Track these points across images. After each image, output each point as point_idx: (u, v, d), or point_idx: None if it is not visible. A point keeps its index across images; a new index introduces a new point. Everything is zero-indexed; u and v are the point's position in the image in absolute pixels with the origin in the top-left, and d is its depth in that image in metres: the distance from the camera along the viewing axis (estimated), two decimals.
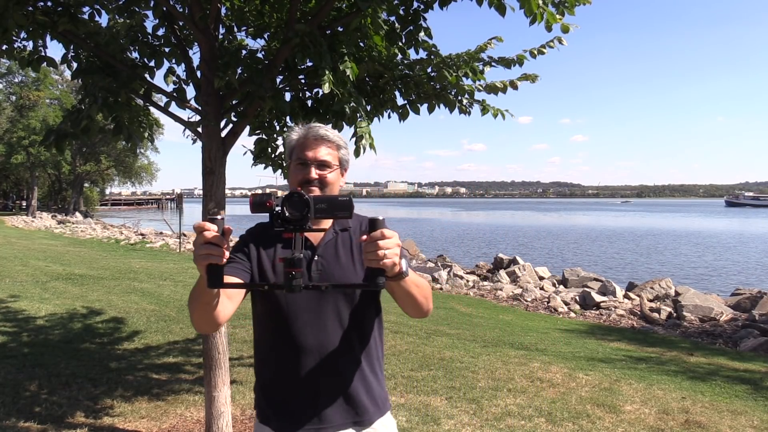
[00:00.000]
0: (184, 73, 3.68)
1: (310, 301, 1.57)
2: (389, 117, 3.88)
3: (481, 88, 3.70)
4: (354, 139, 3.09)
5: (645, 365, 6.26)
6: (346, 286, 1.59)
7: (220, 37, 3.62)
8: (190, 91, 3.72)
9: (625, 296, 12.26)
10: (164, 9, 3.45)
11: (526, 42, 4.27)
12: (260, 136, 3.84)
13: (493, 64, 3.60)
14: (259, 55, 3.71)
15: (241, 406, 4.22)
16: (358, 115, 3.10)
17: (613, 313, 10.88)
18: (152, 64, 3.66)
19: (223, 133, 3.52)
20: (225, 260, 1.28)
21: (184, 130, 3.64)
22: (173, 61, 3.75)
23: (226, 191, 3.58)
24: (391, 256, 1.28)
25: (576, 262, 21.21)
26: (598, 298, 11.60)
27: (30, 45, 3.49)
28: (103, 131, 3.82)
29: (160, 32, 3.69)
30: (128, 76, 3.50)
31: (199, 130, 3.53)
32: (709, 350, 7.79)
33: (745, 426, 4.21)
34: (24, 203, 49.92)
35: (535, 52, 3.48)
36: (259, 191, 1.64)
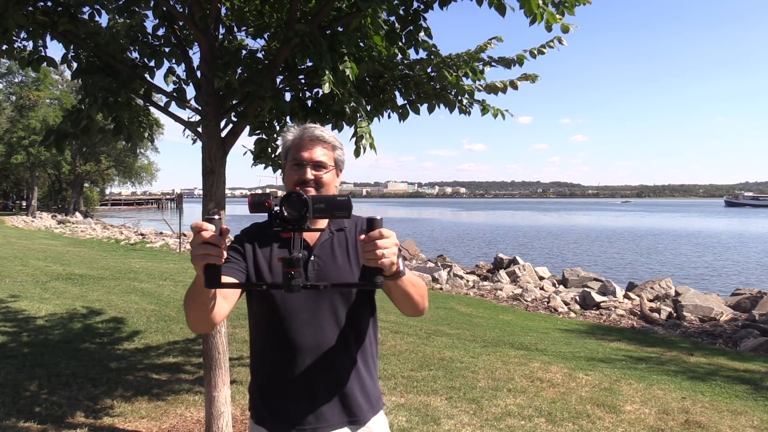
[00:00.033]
0: (184, 73, 3.69)
1: (306, 301, 1.57)
2: (389, 117, 3.88)
3: (481, 88, 3.70)
4: (354, 139, 3.09)
5: (645, 365, 6.26)
6: (345, 286, 1.59)
7: (220, 37, 3.62)
8: (190, 91, 3.72)
9: (625, 296, 12.26)
10: (164, 9, 3.45)
11: (526, 42, 4.26)
12: (260, 136, 3.84)
13: (493, 64, 3.60)
14: (259, 55, 3.71)
15: (241, 406, 4.22)
16: (358, 115, 3.10)
17: (613, 313, 10.88)
18: (152, 64, 3.67)
19: (223, 133, 3.52)
20: (223, 260, 1.28)
21: (184, 130, 3.64)
22: (173, 61, 3.75)
23: (226, 191, 3.58)
24: (389, 256, 1.28)
25: (576, 262, 21.21)
26: (598, 298, 11.59)
27: (30, 45, 3.49)
28: (103, 131, 3.82)
29: (160, 32, 3.70)
30: (128, 76, 3.50)
31: (199, 130, 3.53)
32: (709, 350, 7.79)
33: (745, 426, 4.21)
34: (24, 203, 49.92)
35: (535, 52, 3.48)
36: (259, 191, 1.64)
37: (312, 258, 1.60)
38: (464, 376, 5.22)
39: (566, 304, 11.58)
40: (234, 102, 3.64)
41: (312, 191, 1.58)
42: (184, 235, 20.42)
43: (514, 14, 3.16)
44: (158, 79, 4.34)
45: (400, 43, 3.65)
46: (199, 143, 3.53)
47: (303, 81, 3.64)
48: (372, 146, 3.11)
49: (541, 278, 14.82)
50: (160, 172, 52.66)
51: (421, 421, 4.06)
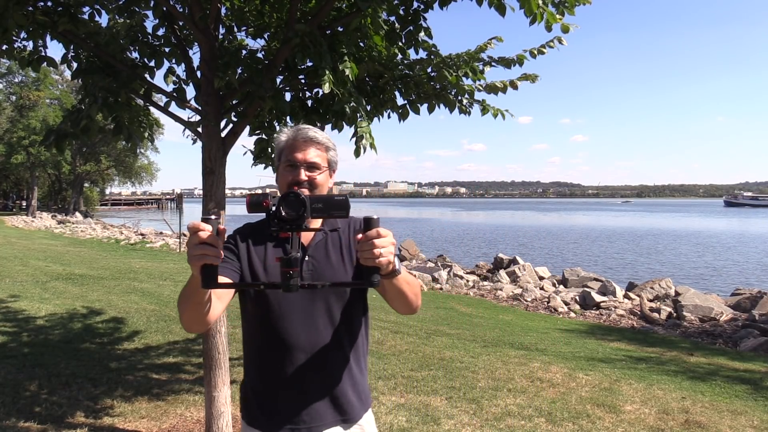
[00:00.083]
0: (184, 73, 3.69)
1: (302, 301, 1.58)
2: (389, 117, 3.88)
3: (481, 88, 3.70)
4: (354, 139, 3.09)
5: (645, 365, 6.26)
6: (343, 285, 1.60)
7: (220, 37, 3.62)
8: (190, 91, 3.72)
9: (625, 296, 12.26)
10: (164, 9, 3.45)
11: (526, 42, 4.28)
12: (260, 136, 3.84)
13: (493, 64, 3.60)
14: (259, 55, 3.71)
15: None
16: (358, 115, 3.10)
17: (613, 313, 10.88)
18: (152, 64, 3.67)
19: (223, 133, 3.52)
20: (220, 261, 1.28)
21: (184, 130, 3.64)
22: (173, 61, 3.75)
23: (226, 191, 3.58)
24: (386, 255, 1.29)
25: (576, 262, 21.21)
26: (598, 298, 11.59)
27: (30, 45, 3.49)
28: (103, 131, 3.82)
29: (160, 32, 3.69)
30: (128, 76, 3.50)
31: (199, 130, 3.53)
32: (709, 350, 7.79)
33: (745, 426, 4.21)
34: (24, 203, 49.91)
35: (535, 52, 3.48)
36: (259, 191, 1.65)
37: (306, 258, 1.60)
38: (464, 376, 5.22)
39: (566, 304, 11.58)
40: (234, 102, 3.64)
41: (305, 192, 1.59)
42: (184, 235, 20.42)
43: (514, 14, 3.17)
44: (158, 79, 4.34)
45: (400, 43, 3.65)
46: (199, 143, 3.53)
47: (303, 81, 3.64)
48: (372, 146, 3.11)
49: (541, 278, 14.82)
50: (160, 172, 52.71)
51: (421, 421, 4.07)
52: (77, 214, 42.18)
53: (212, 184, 3.42)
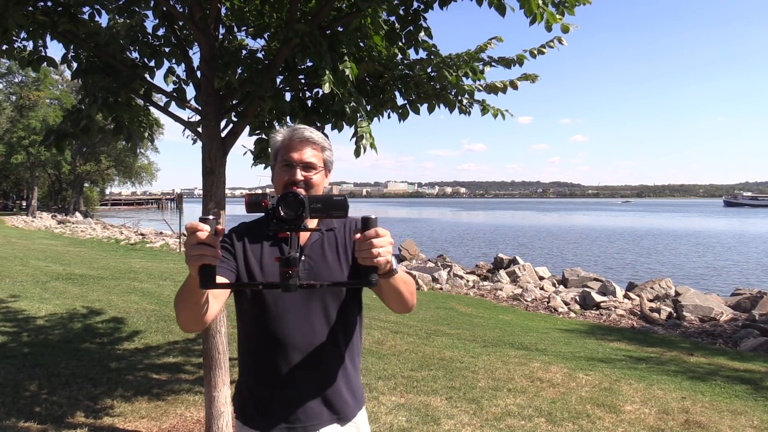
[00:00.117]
0: (184, 73, 3.69)
1: (298, 300, 1.58)
2: (389, 117, 3.88)
3: (481, 88, 3.70)
4: (354, 139, 3.09)
5: (645, 365, 6.26)
6: (341, 284, 1.61)
7: (220, 37, 3.62)
8: (190, 91, 3.72)
9: (625, 296, 12.26)
10: (164, 9, 3.45)
11: (526, 42, 4.28)
12: (260, 136, 3.84)
13: (493, 64, 3.60)
14: (259, 55, 3.71)
15: None
16: (358, 115, 3.10)
17: (613, 313, 10.88)
18: (152, 64, 3.67)
19: (223, 133, 3.52)
20: (218, 261, 1.28)
21: (184, 130, 3.64)
22: (173, 61, 3.75)
23: (226, 191, 3.58)
24: (384, 254, 1.30)
25: (576, 262, 21.21)
26: (598, 298, 11.60)
27: (30, 45, 3.49)
28: (103, 131, 3.82)
29: (160, 32, 3.70)
30: (128, 76, 3.50)
31: (199, 130, 3.53)
32: (709, 350, 7.79)
33: (745, 426, 4.21)
34: (24, 203, 49.91)
35: (535, 52, 3.48)
36: (259, 191, 1.65)
37: (303, 257, 1.61)
38: (464, 376, 5.22)
39: (566, 304, 11.58)
40: (234, 102, 3.64)
41: (302, 192, 1.59)
42: (184, 235, 20.38)
43: (514, 14, 3.17)
44: (158, 79, 4.34)
45: (400, 43, 3.65)
46: (199, 143, 3.53)
47: (303, 81, 3.64)
48: (372, 146, 3.11)
49: (541, 278, 14.83)
50: (160, 172, 52.68)
51: (421, 421, 4.06)
52: (77, 214, 42.17)
53: (212, 184, 3.42)
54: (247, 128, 3.70)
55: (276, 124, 3.89)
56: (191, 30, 3.46)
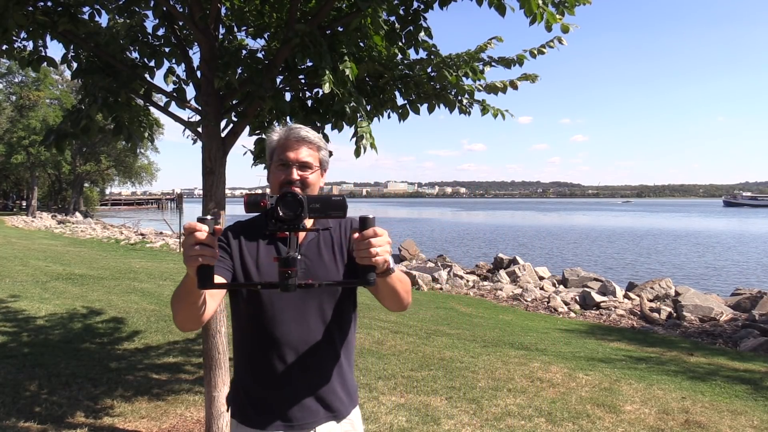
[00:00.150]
0: (184, 73, 3.69)
1: (294, 299, 1.58)
2: (389, 117, 3.88)
3: (481, 88, 3.70)
4: (354, 139, 3.09)
5: (645, 365, 6.26)
6: (339, 284, 1.61)
7: (220, 37, 3.62)
8: (190, 91, 3.72)
9: (625, 296, 12.26)
10: (164, 9, 3.45)
11: (526, 42, 4.27)
12: (260, 136, 3.84)
13: (493, 64, 3.60)
14: (259, 55, 3.71)
15: None
16: (358, 115, 3.10)
17: (613, 313, 10.88)
18: (152, 64, 3.67)
19: (223, 133, 3.52)
20: (216, 261, 1.29)
21: (184, 130, 3.64)
22: (173, 61, 3.75)
23: (226, 191, 3.58)
24: (382, 254, 1.31)
25: (576, 262, 21.21)
26: (598, 298, 11.59)
27: (30, 45, 3.49)
28: (103, 131, 3.82)
29: (160, 32, 3.70)
30: (128, 76, 3.50)
31: (199, 130, 3.53)
32: (709, 350, 7.79)
33: (745, 426, 4.21)
34: (24, 203, 49.91)
35: (535, 52, 3.48)
36: (259, 191, 1.66)
37: (299, 257, 1.62)
38: (464, 376, 5.22)
39: (566, 304, 11.58)
40: (234, 102, 3.64)
41: (297, 191, 1.60)
42: (183, 236, 20.40)
43: (514, 14, 3.17)
44: (158, 79, 4.34)
45: (400, 43, 3.65)
46: (199, 143, 3.53)
47: (303, 81, 3.64)
48: (372, 146, 3.11)
49: (541, 278, 14.83)
50: (160, 172, 52.69)
51: (421, 421, 4.07)
52: (77, 214, 42.17)
53: (212, 184, 3.42)
54: (247, 128, 3.70)
55: (276, 124, 3.89)
56: (191, 30, 3.46)
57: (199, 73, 3.49)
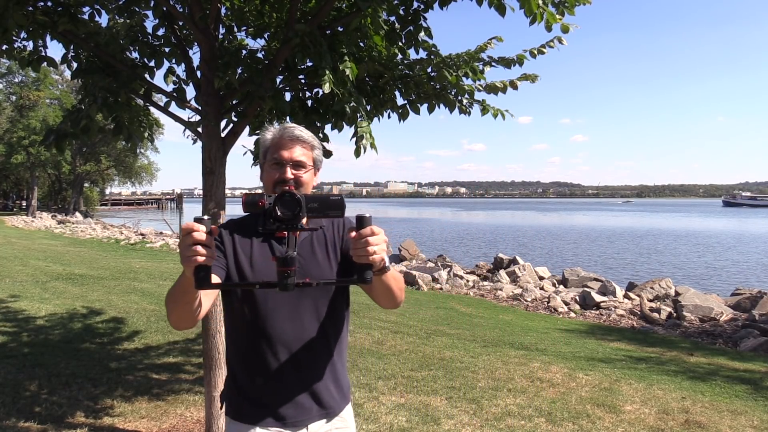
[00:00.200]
0: (184, 73, 3.69)
1: (289, 298, 1.59)
2: (389, 117, 3.88)
3: (481, 88, 3.70)
4: (354, 139, 3.09)
5: (645, 365, 6.26)
6: (337, 282, 1.62)
7: (220, 37, 3.62)
8: (190, 91, 3.72)
9: (625, 296, 12.26)
10: (164, 9, 3.45)
11: (526, 42, 4.27)
12: (260, 136, 3.84)
13: (493, 64, 3.60)
14: (259, 55, 3.71)
15: None
16: (358, 115, 3.10)
17: (613, 313, 10.87)
18: (152, 64, 3.67)
19: (223, 133, 3.52)
20: (213, 261, 1.29)
21: (184, 130, 3.64)
22: (173, 61, 3.75)
23: (226, 191, 3.58)
24: (380, 252, 1.33)
25: (576, 262, 21.20)
26: (598, 298, 11.59)
27: (30, 45, 3.49)
28: (103, 131, 3.82)
29: (160, 32, 3.70)
30: (128, 76, 3.50)
31: (199, 130, 3.53)
32: (709, 350, 7.79)
33: (745, 426, 4.21)
34: (24, 203, 49.91)
35: (535, 52, 3.48)
36: (258, 191, 1.66)
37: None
38: (464, 376, 5.22)
39: (566, 304, 11.58)
40: (234, 102, 3.64)
41: (295, 191, 1.60)
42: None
43: (514, 14, 3.17)
44: (158, 79, 4.34)
45: (400, 43, 3.65)
46: (199, 143, 3.53)
47: (303, 81, 3.64)
48: (372, 146, 3.11)
49: (541, 278, 14.82)
50: (160, 172, 52.70)
51: (421, 421, 4.07)
52: (77, 214, 42.16)
53: (212, 184, 3.42)
54: (247, 128, 3.70)
55: (276, 124, 3.89)
56: (191, 30, 3.46)
57: (199, 73, 3.49)
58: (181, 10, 3.46)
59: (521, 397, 4.67)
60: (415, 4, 3.54)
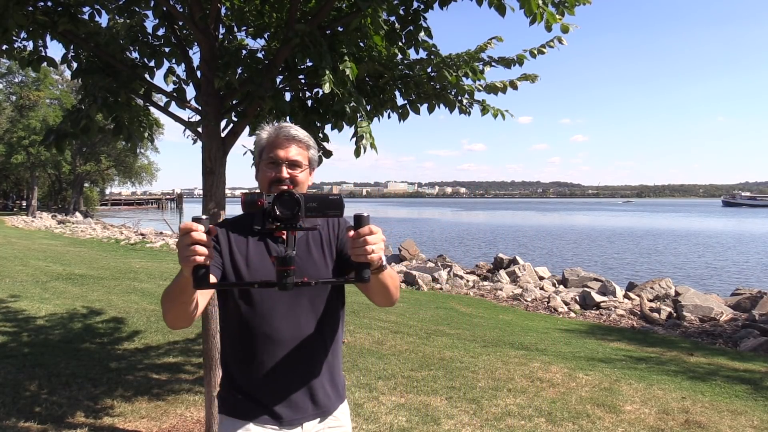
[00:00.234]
0: (184, 73, 3.69)
1: (285, 296, 1.59)
2: (389, 117, 3.88)
3: (481, 88, 3.70)
4: (354, 139, 3.09)
5: (645, 365, 6.26)
6: (335, 281, 1.62)
7: (220, 37, 3.62)
8: (190, 91, 3.73)
9: (625, 296, 12.25)
10: (164, 9, 3.45)
11: (526, 42, 4.27)
12: (256, 135, 3.84)
13: (493, 64, 3.60)
14: (259, 55, 3.72)
15: None
16: (358, 115, 3.10)
17: (613, 313, 10.87)
18: (152, 64, 3.67)
19: (223, 133, 3.52)
20: (211, 261, 1.29)
21: (184, 130, 3.64)
22: (173, 61, 3.76)
23: (226, 191, 3.59)
24: (378, 251, 1.33)
25: (576, 262, 21.20)
26: (598, 298, 11.59)
27: (30, 45, 3.49)
28: (103, 131, 3.82)
29: (160, 32, 3.70)
30: (128, 76, 3.50)
31: (199, 130, 3.53)
32: (709, 350, 7.79)
33: (745, 426, 4.21)
34: (24, 203, 49.92)
35: (535, 52, 3.48)
36: (258, 191, 1.67)
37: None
38: (464, 376, 5.22)
39: (566, 304, 11.58)
40: (234, 102, 3.64)
41: (294, 190, 1.61)
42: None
43: (514, 14, 3.17)
44: (158, 79, 4.34)
45: (400, 43, 3.65)
46: (199, 143, 3.53)
47: (303, 81, 3.64)
48: (372, 146, 3.11)
49: (541, 278, 14.82)
50: (160, 172, 52.70)
51: (421, 421, 4.07)
52: (77, 214, 42.16)
53: (212, 184, 3.42)
54: (247, 128, 3.70)
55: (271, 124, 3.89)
56: (191, 30, 3.46)
57: (199, 73, 3.49)
58: (181, 10, 3.46)
59: (521, 397, 4.67)
60: (415, 4, 3.54)
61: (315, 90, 3.71)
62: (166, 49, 3.68)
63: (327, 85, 2.84)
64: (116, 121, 3.63)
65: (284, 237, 1.64)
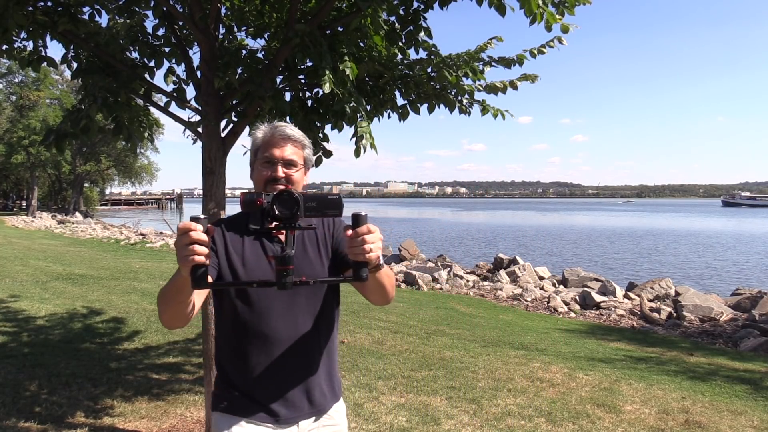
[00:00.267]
0: (184, 73, 3.69)
1: (283, 295, 1.59)
2: (389, 117, 3.88)
3: (481, 88, 3.70)
4: (354, 139, 3.09)
5: (645, 365, 6.26)
6: (334, 281, 1.63)
7: (220, 37, 3.62)
8: (190, 91, 3.73)
9: (625, 296, 12.25)
10: (164, 9, 3.45)
11: (526, 42, 4.28)
12: (251, 134, 3.84)
13: (493, 64, 3.60)
14: (259, 55, 3.72)
15: None
16: (358, 115, 3.10)
17: (613, 313, 10.87)
18: (152, 64, 3.67)
19: (223, 133, 3.52)
20: (210, 260, 1.29)
21: (184, 130, 3.64)
22: (173, 61, 3.75)
23: (226, 191, 3.59)
24: (375, 250, 1.34)
25: (576, 262, 21.20)
26: (598, 298, 11.59)
27: (30, 45, 3.49)
28: (103, 131, 3.82)
29: (160, 32, 3.70)
30: (128, 76, 3.50)
31: (199, 130, 3.53)
32: (709, 350, 7.79)
33: (745, 426, 4.21)
34: (24, 203, 49.92)
35: (535, 52, 3.48)
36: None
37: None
38: (464, 376, 5.22)
39: (566, 304, 11.58)
40: (234, 102, 3.64)
41: (293, 189, 1.61)
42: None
43: (514, 14, 3.17)
44: (158, 79, 4.34)
45: (400, 43, 3.65)
46: (199, 143, 3.53)
47: (303, 81, 3.64)
48: (372, 146, 3.11)
49: (541, 278, 14.82)
50: (160, 172, 52.69)
51: (421, 421, 4.07)
52: (77, 214, 42.16)
53: (212, 184, 3.41)
54: (247, 128, 3.70)
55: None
56: (191, 30, 3.46)
57: (199, 73, 3.49)
58: (181, 10, 3.46)
59: (521, 397, 4.67)
60: (415, 4, 3.54)
61: (315, 90, 3.71)
62: (166, 49, 3.68)
63: (327, 85, 2.84)
64: (116, 121, 3.63)
65: (280, 236, 1.65)
